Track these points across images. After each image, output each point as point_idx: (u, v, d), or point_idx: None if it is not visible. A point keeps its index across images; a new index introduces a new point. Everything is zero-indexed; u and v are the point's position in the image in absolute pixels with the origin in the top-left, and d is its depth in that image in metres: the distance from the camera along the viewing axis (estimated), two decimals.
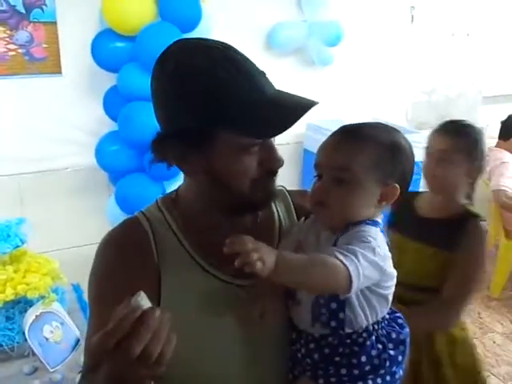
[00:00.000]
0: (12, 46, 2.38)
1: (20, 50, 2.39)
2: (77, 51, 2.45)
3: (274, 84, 0.86)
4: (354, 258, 0.79)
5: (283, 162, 0.87)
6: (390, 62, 3.36)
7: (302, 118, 0.82)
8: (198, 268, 0.89)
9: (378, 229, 0.88)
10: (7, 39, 2.36)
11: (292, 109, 0.82)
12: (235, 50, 0.84)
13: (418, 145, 2.80)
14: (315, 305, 0.87)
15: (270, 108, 0.81)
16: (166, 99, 0.85)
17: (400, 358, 0.89)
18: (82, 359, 1.55)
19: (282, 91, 0.86)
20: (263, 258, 0.72)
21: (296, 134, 3.05)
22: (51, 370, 1.50)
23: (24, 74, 2.43)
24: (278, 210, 1.00)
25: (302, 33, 2.93)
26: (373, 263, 0.81)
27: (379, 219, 0.92)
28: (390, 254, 0.87)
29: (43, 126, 2.54)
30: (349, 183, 0.87)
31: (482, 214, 1.57)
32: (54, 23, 2.41)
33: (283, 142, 3.10)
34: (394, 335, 0.90)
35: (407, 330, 0.93)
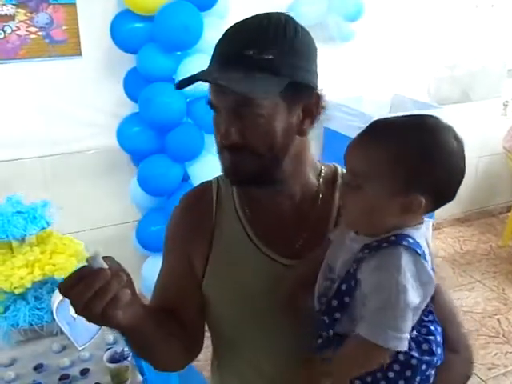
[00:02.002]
0: (32, 29, 2.38)
1: (40, 33, 2.40)
2: (96, 33, 2.45)
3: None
4: (389, 333, 0.73)
5: (229, 138, 0.84)
6: (411, 36, 3.28)
7: None
8: (246, 239, 0.93)
9: (401, 248, 0.76)
10: (28, 22, 2.37)
11: (199, 74, 0.83)
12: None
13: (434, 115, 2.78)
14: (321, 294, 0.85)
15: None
16: None
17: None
18: (108, 337, 1.59)
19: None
20: None
21: None
22: (79, 348, 1.54)
23: (45, 57, 2.45)
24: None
25: (322, 8, 2.87)
26: (407, 309, 0.75)
27: (412, 229, 0.80)
28: (426, 269, 0.78)
29: (65, 108, 2.56)
30: (363, 189, 0.79)
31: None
32: (74, 5, 2.41)
33: None
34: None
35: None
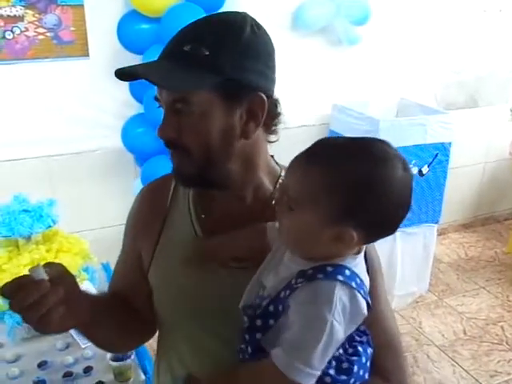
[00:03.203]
0: (41, 30, 2.41)
1: (48, 34, 2.42)
2: (104, 34, 2.47)
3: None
4: (301, 368, 0.71)
5: (162, 133, 0.84)
6: (418, 40, 3.28)
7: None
8: (192, 234, 0.93)
9: (337, 283, 0.73)
10: (36, 23, 2.39)
11: (134, 68, 0.84)
12: None
13: (447, 125, 2.79)
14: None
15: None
16: None
17: None
18: None
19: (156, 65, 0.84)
20: None
21: (322, 116, 3.02)
22: (83, 346, 1.55)
23: (52, 58, 2.47)
24: None
25: (329, 12, 2.88)
26: (328, 348, 0.72)
27: (349, 258, 0.77)
28: (359, 304, 0.75)
29: (71, 108, 2.58)
30: (295, 213, 0.74)
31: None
32: (82, 6, 2.43)
33: (309, 123, 3.11)
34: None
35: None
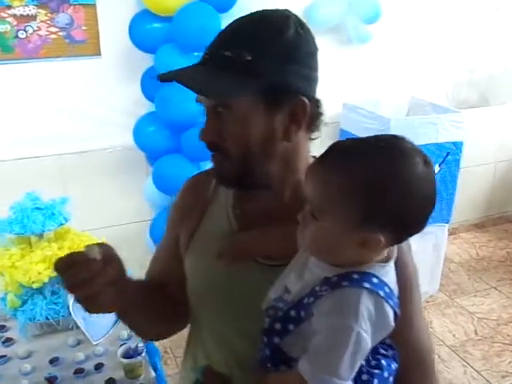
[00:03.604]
0: (53, 29, 2.42)
1: (61, 33, 2.44)
2: (115, 33, 2.48)
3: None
4: (328, 379, 0.69)
5: (203, 136, 0.86)
6: (430, 38, 3.26)
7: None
8: (228, 229, 0.94)
9: (363, 291, 0.70)
10: (48, 22, 2.41)
11: (170, 73, 0.85)
12: None
13: (459, 124, 2.77)
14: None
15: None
16: None
17: None
18: (122, 333, 1.61)
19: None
20: None
21: (332, 114, 3.00)
22: (94, 343, 1.56)
23: (65, 57, 2.48)
24: None
25: (340, 10, 2.87)
26: (355, 357, 0.70)
27: (377, 266, 0.74)
28: (387, 314, 0.72)
29: (83, 107, 2.59)
30: (318, 221, 0.73)
31: None
32: (94, 5, 2.44)
33: None
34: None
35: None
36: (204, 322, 0.99)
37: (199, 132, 0.87)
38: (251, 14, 0.86)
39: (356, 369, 0.71)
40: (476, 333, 2.85)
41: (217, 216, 0.97)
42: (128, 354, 1.46)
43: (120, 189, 2.77)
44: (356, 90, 3.04)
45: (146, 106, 2.54)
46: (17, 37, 2.38)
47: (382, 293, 0.72)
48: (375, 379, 0.75)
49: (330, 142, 0.80)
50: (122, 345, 1.51)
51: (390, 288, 0.74)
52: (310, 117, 0.85)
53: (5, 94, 2.47)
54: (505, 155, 3.83)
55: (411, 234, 0.75)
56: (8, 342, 1.60)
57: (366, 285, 0.71)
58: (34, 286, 1.55)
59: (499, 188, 3.92)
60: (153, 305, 0.97)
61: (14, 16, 2.34)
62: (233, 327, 0.92)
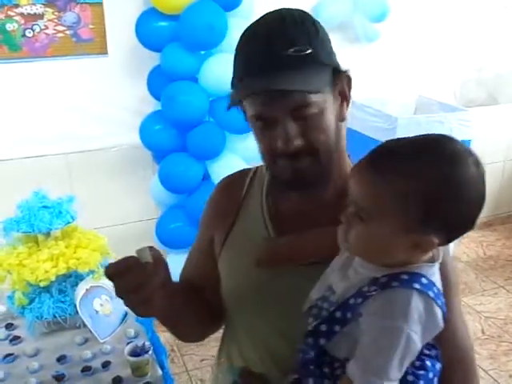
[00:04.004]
0: (60, 28, 2.43)
1: (68, 32, 2.45)
2: (122, 31, 2.48)
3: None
4: (376, 381, 0.69)
5: (294, 143, 0.81)
6: (437, 37, 3.24)
7: None
8: (262, 225, 0.95)
9: (413, 291, 0.70)
10: (55, 21, 2.41)
11: (258, 85, 0.79)
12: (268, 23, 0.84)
13: (467, 123, 2.76)
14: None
15: (243, 83, 0.82)
16: None
17: None
18: (129, 331, 1.61)
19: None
20: None
21: None
22: (101, 341, 1.56)
23: (72, 56, 2.49)
24: None
25: (347, 8, 2.86)
26: (405, 358, 0.70)
27: (425, 266, 0.74)
28: (436, 315, 0.72)
29: (90, 106, 2.60)
30: (367, 224, 0.71)
31: None
32: (100, 4, 2.45)
33: None
34: None
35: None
36: (240, 322, 0.98)
37: (279, 144, 0.82)
38: (280, 13, 0.84)
39: (404, 370, 0.71)
40: (483, 332, 2.84)
41: (252, 216, 0.97)
42: (135, 352, 1.46)
43: (126, 187, 2.78)
44: (363, 88, 3.03)
45: (152, 105, 2.54)
46: (24, 35, 2.39)
47: (431, 293, 0.71)
48: (421, 380, 0.74)
49: None
50: (128, 343, 1.51)
51: (437, 288, 0.73)
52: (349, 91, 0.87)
53: (12, 93, 2.48)
54: None
55: (462, 234, 0.75)
56: (15, 340, 1.61)
57: (416, 286, 0.70)
58: (42, 284, 1.55)
59: (508, 187, 3.89)
60: (191, 307, 0.97)
61: (22, 15, 2.35)
62: (271, 328, 0.92)
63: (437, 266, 0.76)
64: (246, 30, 0.85)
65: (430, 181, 0.68)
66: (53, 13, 2.40)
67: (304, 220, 0.89)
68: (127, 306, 0.78)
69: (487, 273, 3.40)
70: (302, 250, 0.88)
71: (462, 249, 3.66)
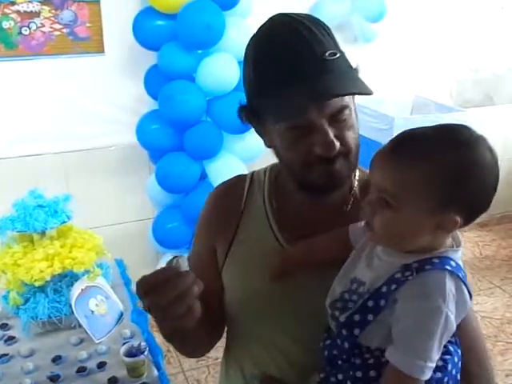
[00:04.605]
0: (57, 26, 2.42)
1: (64, 30, 2.43)
2: (119, 30, 2.47)
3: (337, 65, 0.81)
4: (420, 363, 0.71)
5: (336, 147, 0.81)
6: (434, 37, 3.24)
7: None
8: (268, 231, 0.94)
9: (446, 272, 0.74)
10: (52, 19, 2.40)
11: (314, 95, 0.78)
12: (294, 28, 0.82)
13: (463, 123, 2.75)
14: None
15: (291, 93, 0.78)
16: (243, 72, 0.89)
17: None
18: (125, 332, 1.61)
19: (326, 75, 0.79)
20: None
21: None
22: (97, 342, 1.56)
23: (68, 54, 2.48)
24: None
25: (345, 8, 2.86)
26: (443, 337, 0.72)
27: (452, 251, 0.77)
28: (466, 295, 0.75)
29: (87, 105, 2.59)
30: (393, 208, 0.74)
31: None
32: (97, 2, 2.44)
33: None
34: None
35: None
36: (249, 329, 0.97)
37: (324, 148, 0.81)
38: (288, 20, 0.83)
39: (441, 351, 0.73)
40: None
41: (257, 224, 0.96)
42: (131, 353, 1.45)
43: (123, 187, 2.77)
44: None
45: (149, 104, 2.53)
46: (20, 33, 2.37)
47: (461, 275, 0.75)
48: (449, 364, 0.77)
49: None
50: (124, 343, 1.50)
51: (464, 271, 0.76)
52: None
53: (8, 91, 2.47)
54: (509, 154, 3.81)
55: (480, 214, 0.79)
56: (10, 340, 1.60)
57: (448, 267, 0.74)
58: (37, 284, 1.54)
59: (503, 187, 3.85)
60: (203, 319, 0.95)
61: (18, 12, 2.34)
62: (285, 333, 0.91)
63: (461, 250, 0.79)
64: (260, 40, 0.84)
65: (453, 163, 0.72)
66: (49, 11, 2.39)
67: (312, 224, 0.89)
68: (163, 321, 0.75)
69: (483, 273, 3.41)
70: (315, 254, 0.88)
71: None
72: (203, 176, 2.51)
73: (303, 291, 0.87)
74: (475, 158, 0.74)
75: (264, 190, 0.98)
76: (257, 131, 0.92)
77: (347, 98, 0.82)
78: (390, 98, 3.12)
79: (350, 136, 0.84)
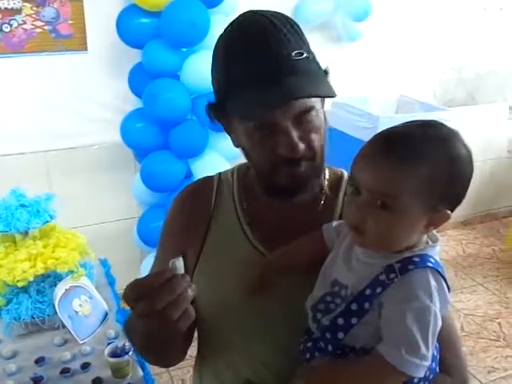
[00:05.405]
0: (39, 23, 2.39)
1: (46, 27, 2.40)
2: (102, 28, 2.45)
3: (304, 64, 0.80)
4: (415, 361, 0.71)
5: (300, 149, 0.80)
6: (418, 37, 3.27)
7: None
8: (241, 234, 0.93)
9: (427, 270, 0.74)
10: (34, 16, 2.37)
11: (277, 96, 0.76)
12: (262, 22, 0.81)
13: (446, 122, 2.76)
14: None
15: (255, 93, 0.77)
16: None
17: None
18: (109, 332, 1.60)
19: (294, 75, 0.78)
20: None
21: None
22: (81, 342, 1.54)
23: (50, 51, 2.45)
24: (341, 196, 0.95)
25: (329, 7, 2.87)
26: (434, 335, 0.73)
27: (430, 248, 0.79)
28: (446, 291, 0.76)
29: (69, 103, 2.56)
30: (390, 209, 0.73)
31: None
32: None
33: None
34: None
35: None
36: (224, 335, 0.94)
37: (287, 149, 0.80)
38: (256, 18, 0.82)
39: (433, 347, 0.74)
40: (462, 329, 2.87)
41: (228, 226, 0.94)
42: (115, 353, 1.44)
43: (107, 186, 2.74)
44: (345, 87, 3.04)
45: (133, 102, 2.52)
46: (1, 30, 2.34)
47: (440, 270, 0.76)
48: (433, 362, 0.79)
49: None
50: (109, 344, 1.49)
51: (442, 267, 0.77)
52: None
53: None
54: (492, 154, 3.86)
55: (457, 206, 0.79)
56: None
57: (429, 264, 0.75)
58: (19, 284, 1.52)
59: (486, 186, 3.94)
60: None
61: None
62: (263, 339, 0.90)
63: (438, 246, 0.80)
64: (228, 38, 0.82)
65: (443, 159, 0.73)
66: (31, 8, 2.36)
67: (285, 224, 0.89)
68: (159, 324, 0.73)
69: (466, 270, 3.45)
70: (294, 258, 0.87)
71: (441, 247, 3.70)
72: (188, 175, 2.50)
73: (280, 295, 0.86)
74: (458, 152, 0.75)
75: (233, 191, 0.97)
76: (225, 129, 0.90)
77: (314, 99, 0.81)
78: (374, 97, 3.14)
79: (314, 139, 0.83)
